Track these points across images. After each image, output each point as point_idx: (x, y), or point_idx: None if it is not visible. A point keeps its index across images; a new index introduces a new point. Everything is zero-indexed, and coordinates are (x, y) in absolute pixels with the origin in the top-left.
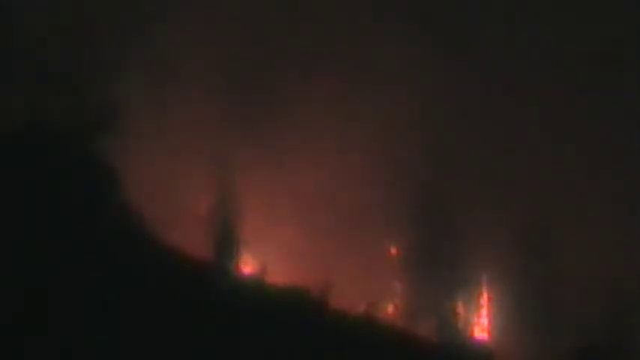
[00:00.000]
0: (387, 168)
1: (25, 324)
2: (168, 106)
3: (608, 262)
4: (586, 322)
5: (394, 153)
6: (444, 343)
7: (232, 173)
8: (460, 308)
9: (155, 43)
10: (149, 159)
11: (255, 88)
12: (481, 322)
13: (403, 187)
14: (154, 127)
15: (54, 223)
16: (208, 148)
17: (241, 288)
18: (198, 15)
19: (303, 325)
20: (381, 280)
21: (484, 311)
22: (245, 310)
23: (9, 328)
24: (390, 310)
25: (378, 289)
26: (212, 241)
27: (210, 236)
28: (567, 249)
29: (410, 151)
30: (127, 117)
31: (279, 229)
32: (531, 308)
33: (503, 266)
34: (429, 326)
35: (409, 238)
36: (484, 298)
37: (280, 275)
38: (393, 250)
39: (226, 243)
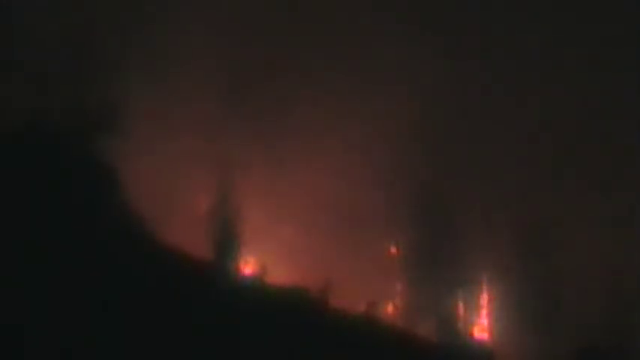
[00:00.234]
0: (387, 168)
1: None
2: (168, 106)
3: (608, 262)
4: (586, 322)
5: (394, 153)
6: (444, 343)
7: (232, 173)
8: (460, 308)
9: (155, 43)
10: (149, 159)
11: (255, 88)
12: (481, 322)
13: (403, 187)
14: (154, 127)
15: (54, 223)
16: (208, 148)
17: (241, 288)
18: (198, 15)
19: (303, 325)
20: (381, 280)
21: (484, 311)
22: (245, 310)
23: (9, 328)
24: (390, 310)
25: (378, 289)
26: (212, 241)
27: (210, 236)
28: (567, 249)
29: (410, 151)
30: (127, 117)
31: (279, 229)
32: (531, 308)
33: (503, 266)
34: (429, 326)
35: (409, 238)
36: (484, 298)
37: (280, 275)
38: (393, 250)
39: (226, 243)
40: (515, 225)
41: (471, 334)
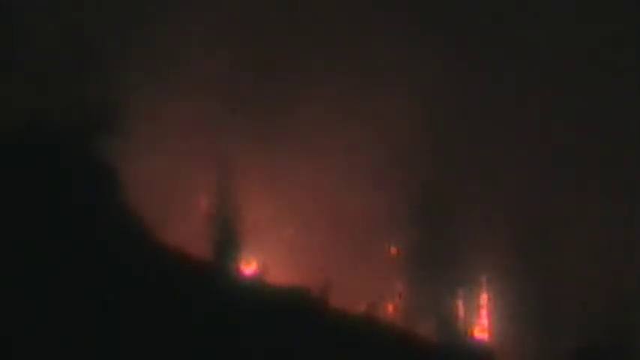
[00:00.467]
0: (387, 168)
1: None
2: (168, 106)
3: (608, 262)
4: (586, 322)
5: (394, 153)
6: (444, 343)
7: (232, 173)
8: (460, 308)
9: (155, 43)
10: (149, 159)
11: (256, 88)
12: (481, 322)
13: (403, 187)
14: (154, 126)
15: (54, 223)
16: (208, 148)
17: (241, 288)
18: (198, 15)
19: (303, 325)
20: (381, 280)
21: (484, 311)
22: (245, 310)
23: (9, 328)
24: (390, 310)
25: (378, 289)
26: (212, 241)
27: (210, 236)
28: (567, 249)
29: (410, 151)
30: (127, 117)
31: (279, 229)
32: (531, 308)
33: (503, 266)
34: (429, 326)
35: (409, 238)
36: (484, 298)
37: (280, 275)
38: (393, 250)
39: (226, 243)
40: (515, 225)
41: (471, 334)
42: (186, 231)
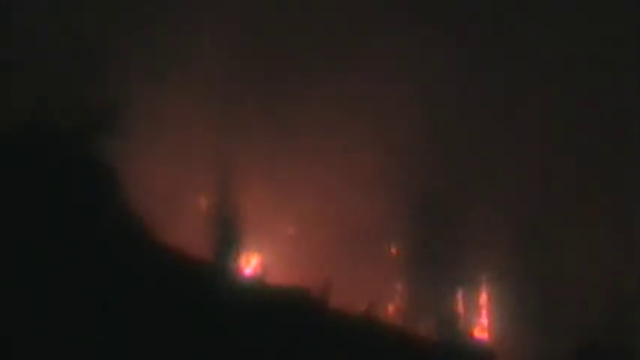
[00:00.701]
0: (388, 168)
1: None
2: (168, 106)
3: (608, 262)
4: (586, 322)
5: (394, 153)
6: (444, 343)
7: (232, 173)
8: (460, 308)
9: (155, 43)
10: (149, 159)
11: (256, 88)
12: (481, 322)
13: (403, 188)
14: (154, 126)
15: (54, 223)
16: (208, 148)
17: (241, 288)
18: (199, 15)
19: (303, 325)
20: (381, 280)
21: (484, 311)
22: (245, 310)
23: (9, 329)
24: (390, 310)
25: (378, 289)
26: (212, 241)
27: (210, 236)
28: (567, 249)
29: (410, 152)
30: (127, 117)
31: (279, 229)
32: (531, 308)
33: (503, 266)
34: (429, 326)
35: (409, 238)
36: (484, 298)
37: (280, 275)
38: (393, 250)
39: (226, 243)
40: (516, 225)
41: (471, 334)
42: (186, 231)
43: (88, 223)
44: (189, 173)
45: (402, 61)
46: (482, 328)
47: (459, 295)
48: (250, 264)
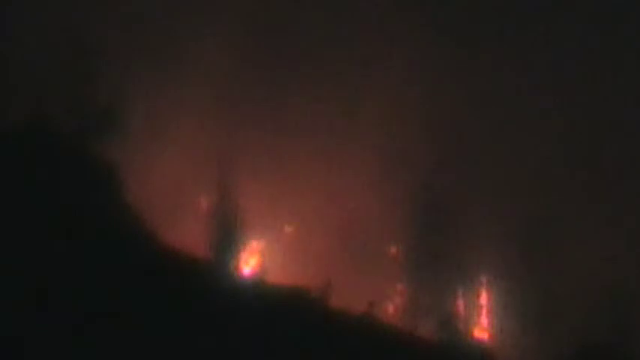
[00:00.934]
0: (388, 168)
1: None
2: (168, 105)
3: (608, 262)
4: (586, 322)
5: (394, 153)
6: (444, 343)
7: (232, 172)
8: (460, 308)
9: (155, 43)
10: (149, 159)
11: (256, 88)
12: (481, 322)
13: (403, 187)
14: (154, 126)
15: (54, 223)
16: (208, 147)
17: (241, 288)
18: (199, 15)
19: (303, 325)
20: (381, 280)
21: (484, 311)
22: (245, 310)
23: (9, 329)
24: (390, 310)
25: (378, 289)
26: (212, 240)
27: (210, 236)
28: (567, 249)
29: (410, 151)
30: (127, 117)
31: (280, 229)
32: (531, 308)
33: (503, 266)
34: (429, 326)
35: (409, 238)
36: (484, 298)
37: (280, 275)
38: (393, 250)
39: (226, 243)
40: (516, 225)
41: (471, 334)
42: (186, 230)
43: (87, 223)
44: (189, 173)
45: (402, 61)
46: (482, 328)
47: (459, 295)
48: (250, 263)
